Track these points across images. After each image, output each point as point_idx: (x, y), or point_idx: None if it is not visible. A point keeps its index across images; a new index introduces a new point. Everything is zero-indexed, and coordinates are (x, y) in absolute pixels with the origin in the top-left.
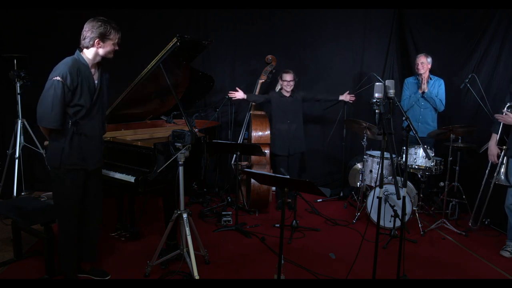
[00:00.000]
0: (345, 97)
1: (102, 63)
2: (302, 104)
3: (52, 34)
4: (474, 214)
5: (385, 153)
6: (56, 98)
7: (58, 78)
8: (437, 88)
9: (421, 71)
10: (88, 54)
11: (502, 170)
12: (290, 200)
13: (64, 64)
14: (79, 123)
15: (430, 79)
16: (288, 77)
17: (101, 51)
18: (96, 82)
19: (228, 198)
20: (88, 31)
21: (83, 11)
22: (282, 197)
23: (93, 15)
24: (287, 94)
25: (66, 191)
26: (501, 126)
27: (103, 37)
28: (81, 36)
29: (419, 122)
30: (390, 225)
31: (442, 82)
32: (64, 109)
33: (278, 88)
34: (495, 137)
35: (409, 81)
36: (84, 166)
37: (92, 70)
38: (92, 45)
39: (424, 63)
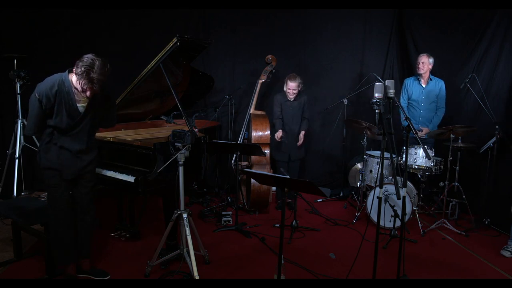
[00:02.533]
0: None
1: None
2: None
3: (53, 34)
4: None
5: (385, 153)
6: (32, 112)
7: (37, 95)
8: (438, 90)
9: (421, 71)
10: (74, 78)
11: None
12: (290, 200)
13: (45, 83)
14: (55, 134)
15: (430, 79)
16: (292, 85)
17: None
18: (82, 105)
19: (228, 198)
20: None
21: (83, 11)
22: (282, 197)
23: (93, 15)
24: (291, 98)
25: (47, 189)
26: None
27: (76, 67)
28: None
29: (419, 123)
30: (390, 225)
31: (442, 83)
32: (40, 122)
33: (285, 88)
34: None
35: (408, 82)
36: (59, 170)
37: (81, 94)
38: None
39: (425, 63)
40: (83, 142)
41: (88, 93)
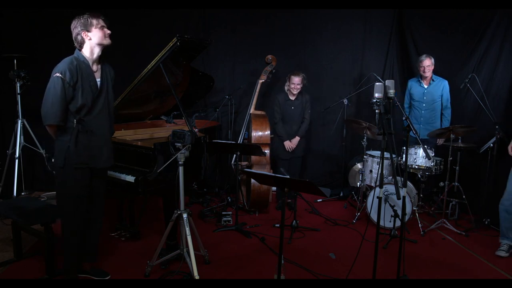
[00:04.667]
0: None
1: (104, 59)
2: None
3: (53, 34)
4: None
5: (385, 153)
6: (56, 95)
7: (58, 74)
8: (440, 90)
9: (427, 74)
10: (85, 51)
11: None
12: (290, 200)
13: (63, 62)
14: (84, 120)
15: (433, 80)
16: (296, 79)
17: (94, 41)
18: (98, 80)
19: (228, 198)
20: (74, 30)
21: (83, 11)
22: (282, 197)
23: None
24: (293, 98)
25: (69, 190)
26: None
27: (86, 27)
28: (73, 39)
29: (420, 123)
30: (390, 225)
31: (445, 83)
32: (65, 106)
33: (286, 87)
34: None
35: (411, 83)
36: (91, 165)
37: (94, 68)
38: (83, 40)
39: (429, 66)
40: (107, 122)
41: (103, 23)
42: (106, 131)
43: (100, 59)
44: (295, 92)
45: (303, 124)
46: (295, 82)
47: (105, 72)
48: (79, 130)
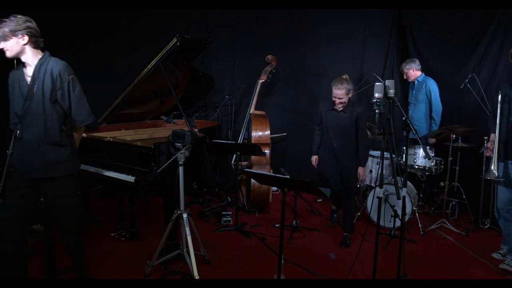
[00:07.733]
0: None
1: (45, 56)
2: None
3: (53, 34)
4: None
5: (385, 153)
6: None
7: None
8: (424, 90)
9: (409, 80)
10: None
11: None
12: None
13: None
14: (16, 125)
15: (418, 81)
16: (338, 92)
17: None
18: (27, 82)
19: (228, 198)
20: None
21: (83, 11)
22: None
23: (93, 15)
24: (339, 108)
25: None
26: None
27: None
28: None
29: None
30: (390, 225)
31: (429, 82)
32: (13, 110)
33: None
34: None
35: (410, 85)
36: (23, 171)
37: (29, 71)
38: None
39: (408, 70)
40: (41, 130)
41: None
42: (38, 139)
43: (41, 59)
44: (339, 107)
45: (360, 147)
46: (336, 95)
47: (39, 75)
48: (15, 136)
